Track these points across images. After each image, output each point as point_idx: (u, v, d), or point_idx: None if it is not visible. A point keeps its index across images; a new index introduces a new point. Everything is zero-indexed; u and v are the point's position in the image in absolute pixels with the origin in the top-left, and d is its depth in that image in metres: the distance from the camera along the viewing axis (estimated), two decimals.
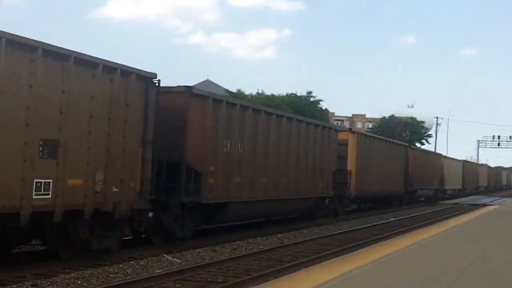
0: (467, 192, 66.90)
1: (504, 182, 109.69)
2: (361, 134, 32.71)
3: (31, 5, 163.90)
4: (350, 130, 30.90)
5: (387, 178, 35.15)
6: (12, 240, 12.82)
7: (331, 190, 25.92)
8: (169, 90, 15.35)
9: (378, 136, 36.83)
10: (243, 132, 18.31)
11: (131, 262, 13.37)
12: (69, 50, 11.79)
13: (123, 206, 13.17)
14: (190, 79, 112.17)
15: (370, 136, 34.38)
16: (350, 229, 23.17)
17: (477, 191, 73.86)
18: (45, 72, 11.23)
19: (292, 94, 61.06)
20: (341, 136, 28.09)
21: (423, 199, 48.54)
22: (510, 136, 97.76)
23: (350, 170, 29.03)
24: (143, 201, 13.82)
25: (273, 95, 59.67)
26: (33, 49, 11.00)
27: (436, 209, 38.20)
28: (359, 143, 30.33)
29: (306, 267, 12.66)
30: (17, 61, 10.78)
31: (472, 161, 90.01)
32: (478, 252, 14.46)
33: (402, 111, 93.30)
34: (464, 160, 71.58)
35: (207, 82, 79.35)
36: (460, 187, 63.29)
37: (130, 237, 16.00)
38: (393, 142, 39.68)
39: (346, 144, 29.00)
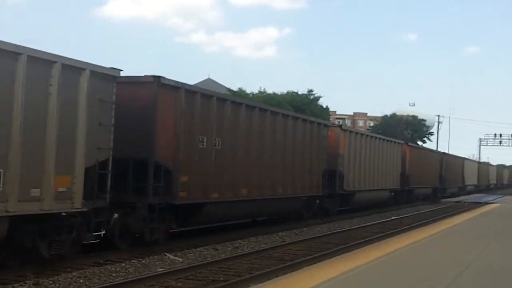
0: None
1: (473, 181, 68.65)
2: (192, 92, 16.07)
3: (32, 3, 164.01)
4: (158, 79, 14.60)
5: (289, 175, 21.61)
6: None
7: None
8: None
9: (260, 105, 21.74)
10: None
11: (133, 261, 13.39)
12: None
13: None
14: (191, 78, 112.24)
15: (232, 102, 18.14)
16: (351, 227, 23.17)
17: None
18: None
19: (293, 92, 61.09)
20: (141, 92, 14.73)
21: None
22: None
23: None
24: None
25: (274, 94, 59.70)
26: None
27: (438, 207, 38.20)
28: (182, 110, 15.42)
29: (307, 266, 12.67)
30: None
31: (474, 159, 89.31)
32: (478, 251, 14.47)
33: (404, 110, 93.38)
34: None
35: (208, 80, 79.37)
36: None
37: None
38: (303, 119, 23.42)
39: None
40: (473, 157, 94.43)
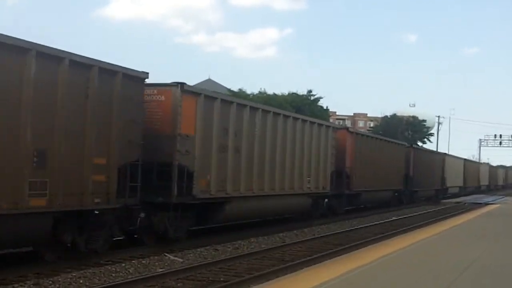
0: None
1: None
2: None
3: (32, 3, 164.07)
4: None
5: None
6: None
7: None
8: None
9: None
10: None
11: (133, 261, 13.39)
12: None
13: None
14: (191, 79, 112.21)
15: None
16: (351, 228, 23.16)
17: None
18: None
19: (294, 93, 61.12)
20: None
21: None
22: None
23: None
24: None
25: (275, 95, 59.73)
26: None
27: (438, 208, 38.17)
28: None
29: (307, 266, 12.68)
30: None
31: (474, 159, 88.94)
32: (478, 252, 14.47)
33: (404, 110, 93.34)
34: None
35: (209, 81, 79.43)
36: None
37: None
38: (58, 57, 11.53)
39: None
40: (473, 158, 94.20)
